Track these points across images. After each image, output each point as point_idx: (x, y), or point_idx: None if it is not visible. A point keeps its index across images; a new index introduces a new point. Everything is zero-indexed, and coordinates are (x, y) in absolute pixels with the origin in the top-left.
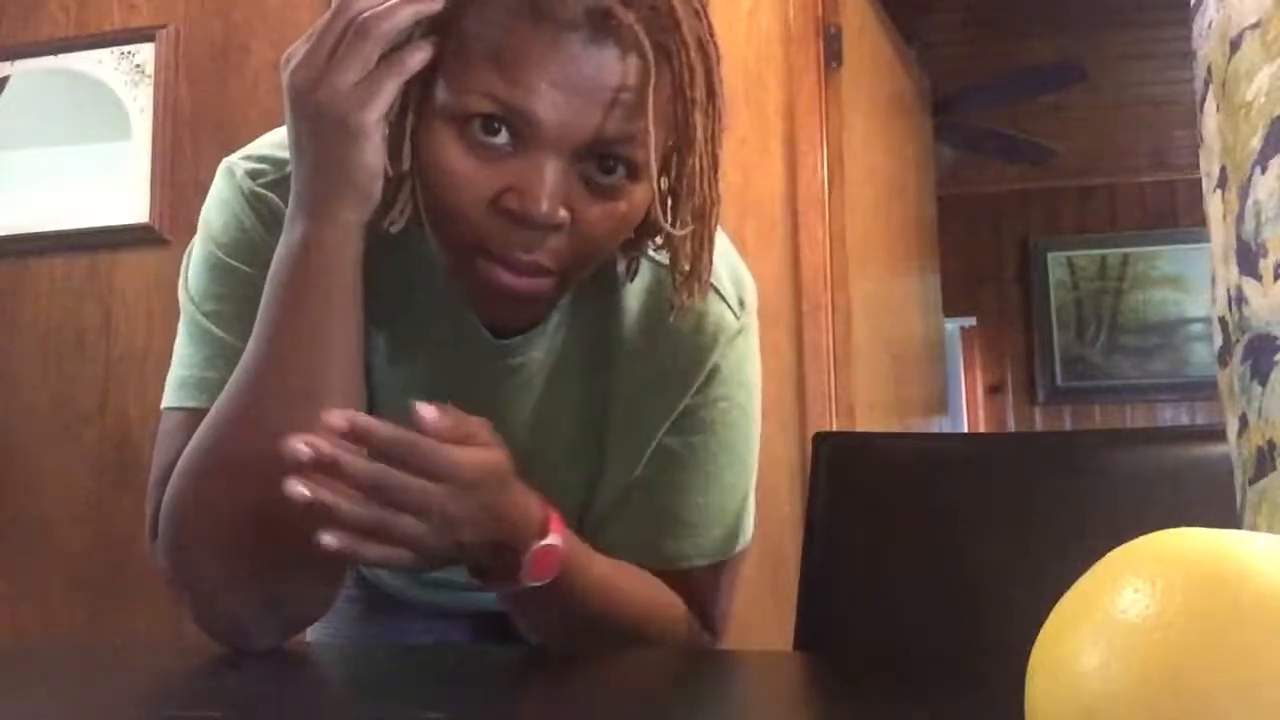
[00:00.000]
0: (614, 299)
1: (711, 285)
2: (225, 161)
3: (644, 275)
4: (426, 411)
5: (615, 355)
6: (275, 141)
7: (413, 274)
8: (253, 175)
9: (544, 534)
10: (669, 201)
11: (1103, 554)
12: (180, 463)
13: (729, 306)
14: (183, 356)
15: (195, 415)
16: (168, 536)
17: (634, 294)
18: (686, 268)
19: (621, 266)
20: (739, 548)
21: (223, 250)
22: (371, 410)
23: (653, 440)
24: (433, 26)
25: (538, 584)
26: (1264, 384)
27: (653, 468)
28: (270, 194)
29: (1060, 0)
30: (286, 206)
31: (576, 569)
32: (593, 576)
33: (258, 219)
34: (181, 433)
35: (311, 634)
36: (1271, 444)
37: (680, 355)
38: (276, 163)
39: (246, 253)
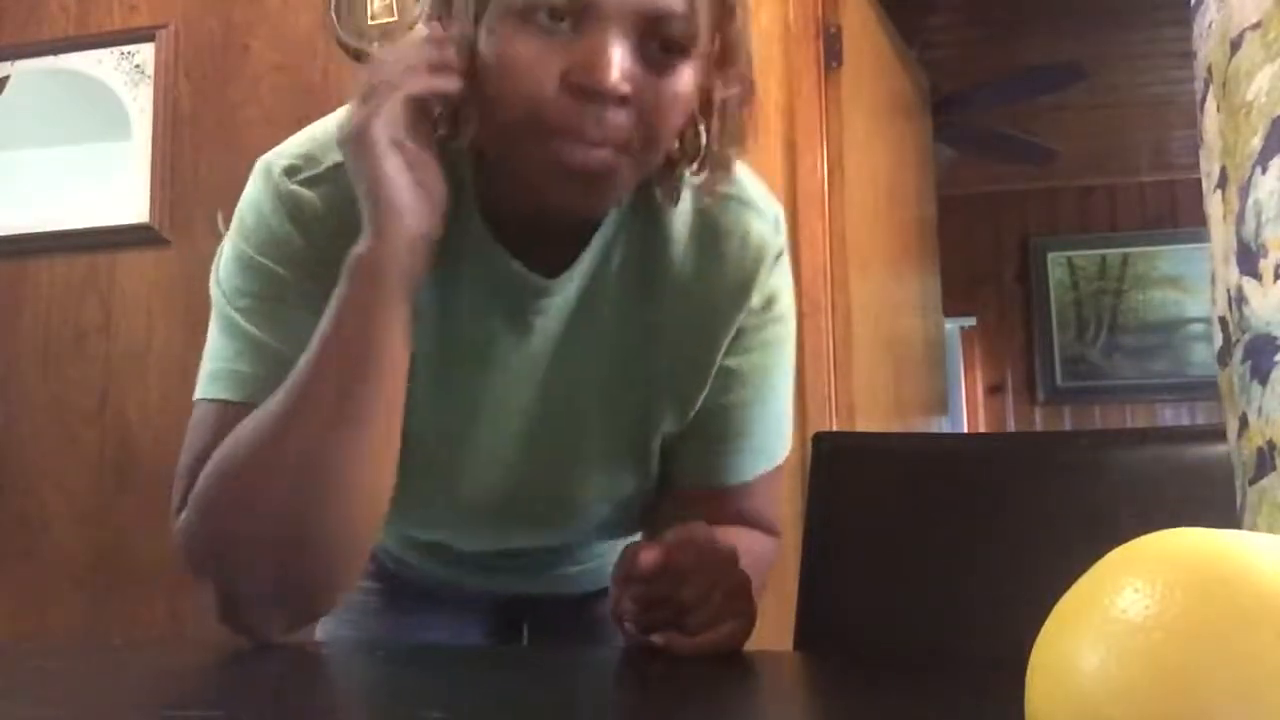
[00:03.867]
0: (657, 228)
1: (749, 204)
2: (262, 159)
3: (684, 202)
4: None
5: (663, 285)
6: (314, 136)
7: (458, 234)
8: (288, 172)
9: None
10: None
11: (1103, 554)
12: (217, 459)
13: (768, 225)
14: (213, 349)
15: (224, 407)
16: (198, 528)
17: (678, 220)
18: (727, 148)
19: (661, 194)
20: (788, 451)
21: (253, 249)
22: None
23: (713, 364)
24: None
25: None
26: (1264, 384)
27: (714, 389)
28: (306, 191)
29: (1060, 0)
30: (321, 204)
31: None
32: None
33: (288, 219)
34: (212, 423)
35: (324, 626)
36: (1271, 444)
37: (730, 276)
38: (313, 158)
39: (275, 253)
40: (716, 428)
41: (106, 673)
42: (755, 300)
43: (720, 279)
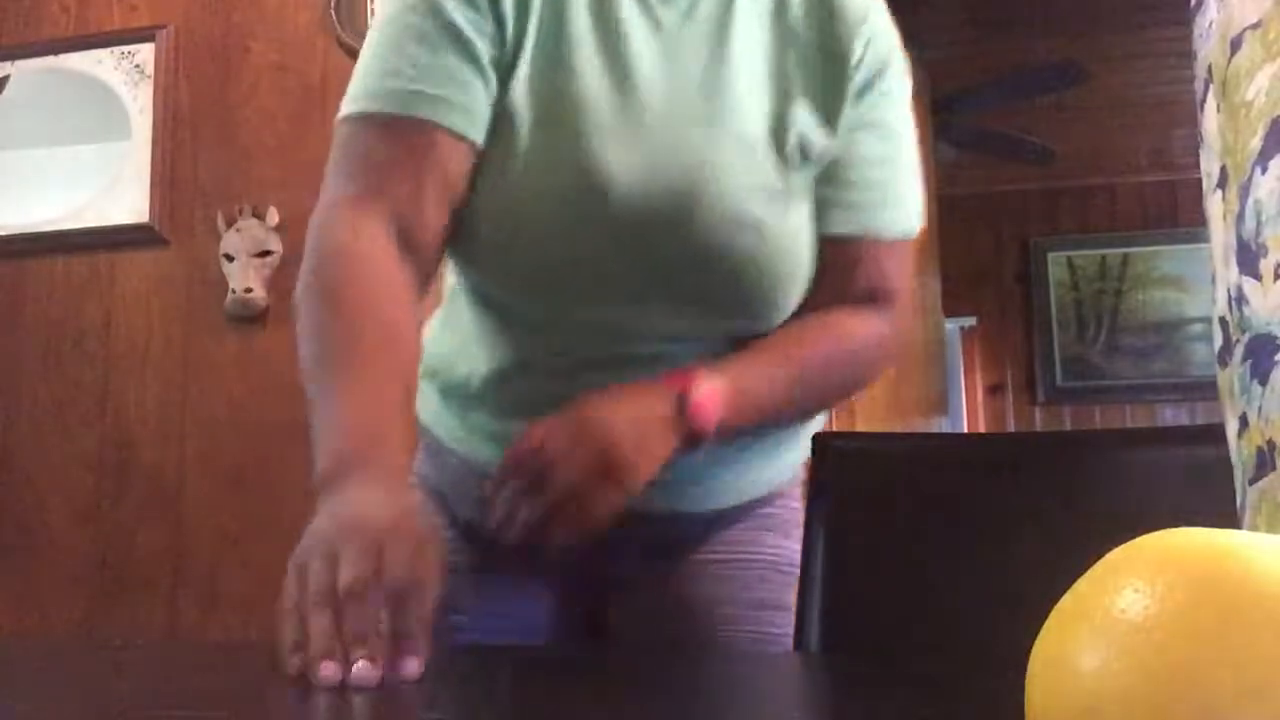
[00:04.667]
0: None
1: None
2: None
3: None
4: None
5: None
6: None
7: None
8: None
9: (685, 391)
10: None
11: (1103, 554)
12: (315, 283)
13: None
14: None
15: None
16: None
17: None
18: None
19: None
20: (921, 225)
21: None
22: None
23: (847, 81)
24: None
25: (726, 421)
26: (1264, 384)
27: (852, 143)
28: None
29: (1060, 0)
30: None
31: (750, 384)
32: (774, 379)
33: None
34: (378, 133)
35: None
36: (1271, 444)
37: (846, 7)
38: None
39: None
40: (859, 179)
41: (106, 673)
42: (881, 44)
43: (838, 8)
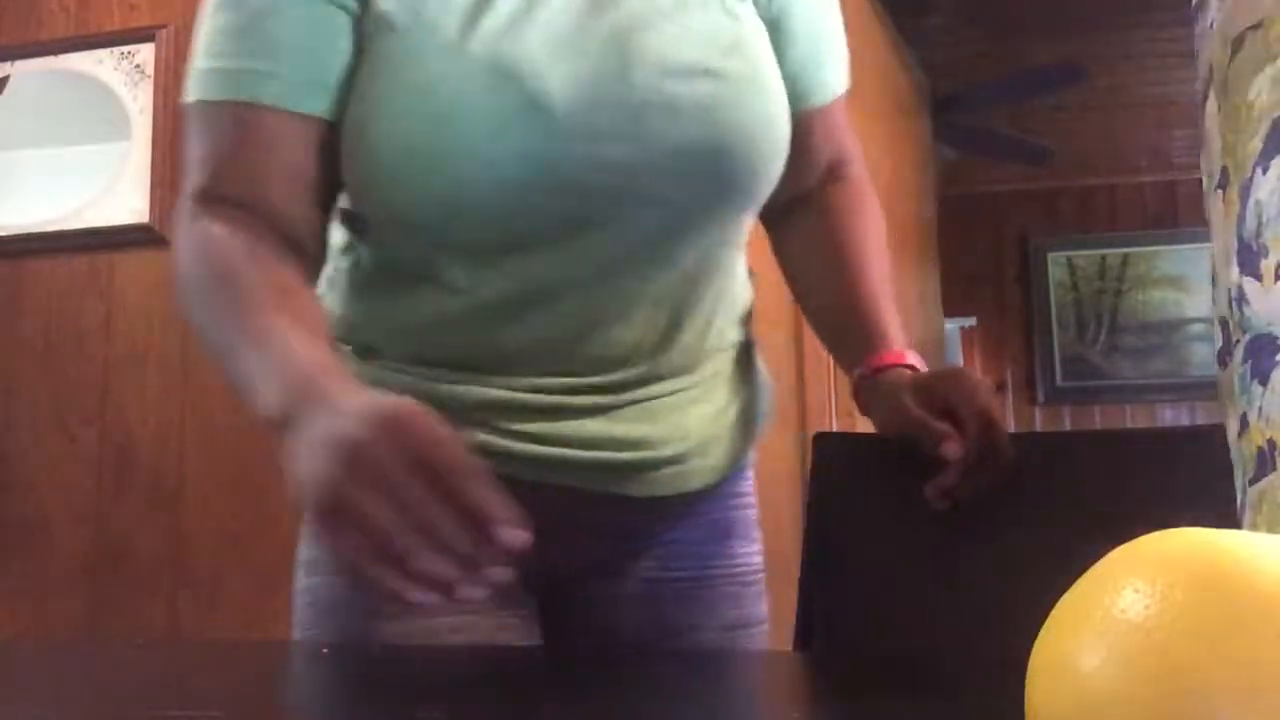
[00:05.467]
0: None
1: None
2: None
3: None
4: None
5: None
6: None
7: None
8: None
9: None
10: None
11: (1103, 554)
12: (193, 272)
13: None
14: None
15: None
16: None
17: None
18: None
19: None
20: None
21: None
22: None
23: None
24: None
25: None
26: (1264, 384)
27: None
28: None
29: (1060, 0)
30: None
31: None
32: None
33: None
34: (214, 121)
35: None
36: (1271, 444)
37: None
38: None
39: None
40: (800, 41)
41: (107, 672)
42: None
43: None
